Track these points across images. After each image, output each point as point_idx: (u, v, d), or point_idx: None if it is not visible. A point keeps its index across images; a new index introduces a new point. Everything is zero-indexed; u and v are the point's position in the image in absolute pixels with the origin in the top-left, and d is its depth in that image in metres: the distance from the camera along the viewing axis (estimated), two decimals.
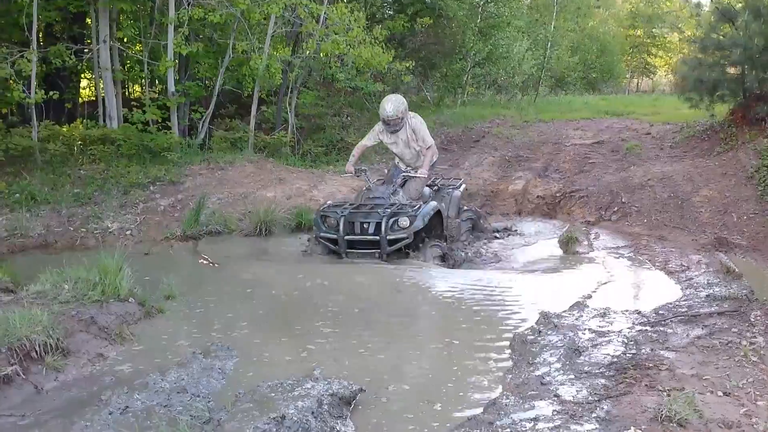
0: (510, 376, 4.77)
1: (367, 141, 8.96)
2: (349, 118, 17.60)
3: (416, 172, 8.55)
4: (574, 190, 11.88)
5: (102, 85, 13.94)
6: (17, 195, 10.90)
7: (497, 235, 10.07)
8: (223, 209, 10.77)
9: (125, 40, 15.36)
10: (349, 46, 14.35)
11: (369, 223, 7.64)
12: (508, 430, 3.68)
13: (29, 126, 12.62)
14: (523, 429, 3.68)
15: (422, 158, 8.72)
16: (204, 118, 14.58)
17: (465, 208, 9.55)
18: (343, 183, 12.45)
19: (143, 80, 15.49)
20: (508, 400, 4.15)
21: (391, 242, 7.57)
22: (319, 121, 17.05)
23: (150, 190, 11.76)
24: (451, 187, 9.47)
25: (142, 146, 12.87)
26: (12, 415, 4.12)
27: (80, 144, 13.02)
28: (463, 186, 9.70)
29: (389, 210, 7.66)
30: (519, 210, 12.05)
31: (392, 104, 8.40)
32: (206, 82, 16.21)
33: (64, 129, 13.60)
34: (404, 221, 7.54)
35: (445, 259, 8.08)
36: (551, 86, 28.56)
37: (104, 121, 13.74)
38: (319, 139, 16.09)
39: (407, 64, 16.39)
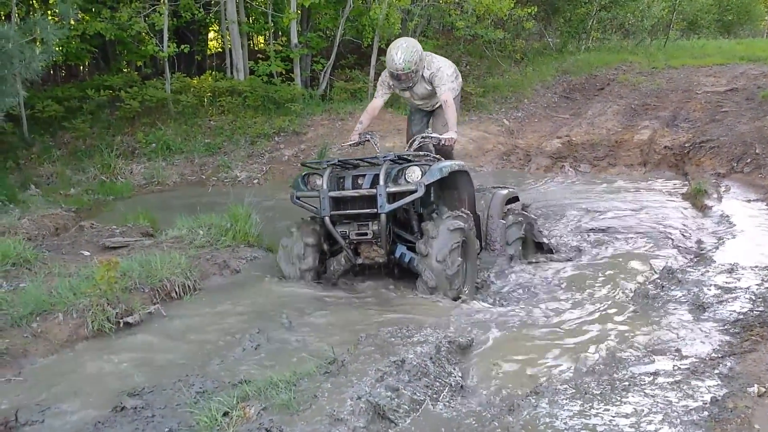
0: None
1: (378, 99, 6.58)
2: (468, 66, 17.40)
3: (440, 134, 6.03)
4: (705, 141, 11.34)
5: (229, 38, 14.43)
6: (153, 145, 11.59)
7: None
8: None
9: None
10: None
11: (364, 176, 5.42)
12: (627, 383, 3.69)
13: (162, 78, 13.28)
14: (642, 383, 3.68)
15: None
16: (325, 69, 14.84)
17: (514, 210, 6.82)
18: (462, 133, 12.40)
19: (267, 32, 15.89)
20: (627, 353, 4.15)
21: (393, 198, 5.28)
22: None
23: (275, 140, 12.20)
24: (499, 186, 7.23)
25: (267, 97, 13.31)
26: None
27: (210, 95, 13.60)
28: (511, 191, 7.09)
29: (391, 155, 5.53)
30: (644, 161, 11.66)
31: (403, 53, 6.03)
32: (327, 33, 16.44)
33: (195, 81, 14.24)
34: (414, 172, 5.30)
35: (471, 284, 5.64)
36: (682, 30, 27.00)
37: (231, 73, 14.26)
38: None
39: (529, 10, 16.03)
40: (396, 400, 3.40)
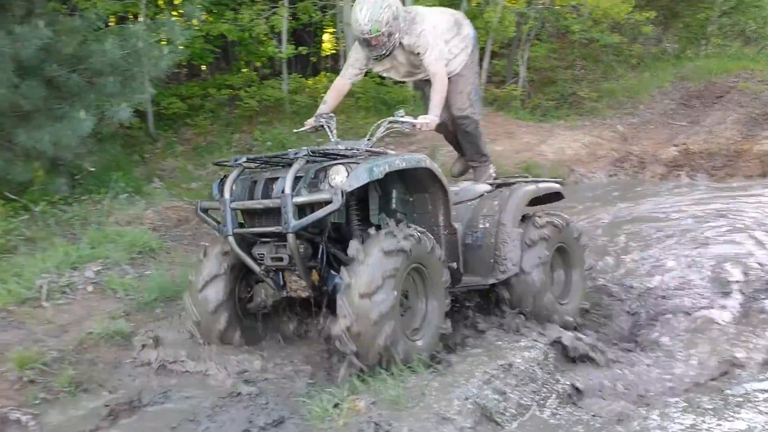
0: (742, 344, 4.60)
1: (344, 76, 5.18)
2: (582, 70, 17.10)
3: (416, 117, 4.58)
4: None
5: (343, 40, 14.72)
6: (269, 143, 11.97)
7: None
8: (452, 162, 11.07)
9: None
10: None
11: (279, 179, 3.91)
12: (740, 399, 3.59)
13: (279, 78, 13.70)
14: (756, 400, 3.58)
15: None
16: None
17: (539, 216, 4.94)
18: (574, 138, 12.24)
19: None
20: (740, 369, 4.03)
21: (304, 211, 3.81)
22: (551, 74, 16.74)
23: (385, 141, 12.30)
24: (529, 180, 5.29)
25: (379, 99, 13.50)
26: None
27: (323, 96, 13.90)
28: (547, 186, 5.24)
29: (309, 149, 3.86)
30: (764, 172, 11.16)
31: (369, 10, 4.53)
32: None
33: (310, 82, 14.62)
34: (339, 173, 3.80)
35: None
36: None
37: None
38: (550, 92, 15.83)
39: (648, 14, 15.57)
40: (503, 403, 3.44)
